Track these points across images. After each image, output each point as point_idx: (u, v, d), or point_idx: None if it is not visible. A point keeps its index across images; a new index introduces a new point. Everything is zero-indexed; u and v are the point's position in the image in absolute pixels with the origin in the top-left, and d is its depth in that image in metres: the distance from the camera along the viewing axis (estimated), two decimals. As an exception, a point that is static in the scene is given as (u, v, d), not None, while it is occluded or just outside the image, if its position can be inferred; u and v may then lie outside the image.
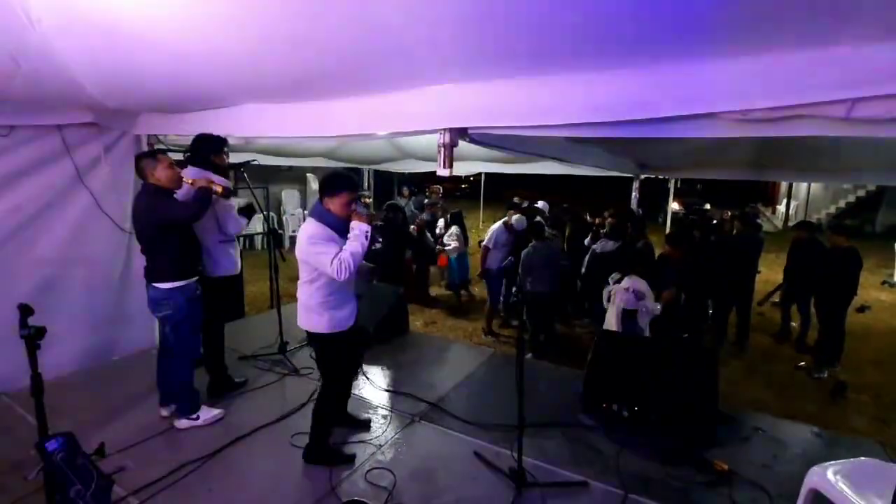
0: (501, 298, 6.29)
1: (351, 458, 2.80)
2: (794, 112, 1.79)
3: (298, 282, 2.70)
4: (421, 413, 3.33)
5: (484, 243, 6.09)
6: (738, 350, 5.83)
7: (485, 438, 3.02)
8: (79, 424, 2.89)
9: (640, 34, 1.73)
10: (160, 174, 2.89)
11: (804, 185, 17.96)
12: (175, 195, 2.98)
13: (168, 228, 2.89)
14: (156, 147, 4.32)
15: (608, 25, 1.68)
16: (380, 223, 6.45)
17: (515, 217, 5.96)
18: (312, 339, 2.78)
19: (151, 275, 2.94)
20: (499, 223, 6.06)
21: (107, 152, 3.96)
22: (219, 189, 3.05)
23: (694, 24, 1.61)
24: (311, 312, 2.67)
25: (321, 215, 2.60)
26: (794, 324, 6.43)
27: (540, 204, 7.88)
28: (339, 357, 2.79)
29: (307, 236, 2.55)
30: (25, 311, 2.00)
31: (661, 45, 1.81)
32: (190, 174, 3.09)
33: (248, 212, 3.62)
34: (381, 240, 5.95)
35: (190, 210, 2.94)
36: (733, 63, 1.79)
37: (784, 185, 18.12)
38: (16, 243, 3.47)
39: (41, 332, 1.97)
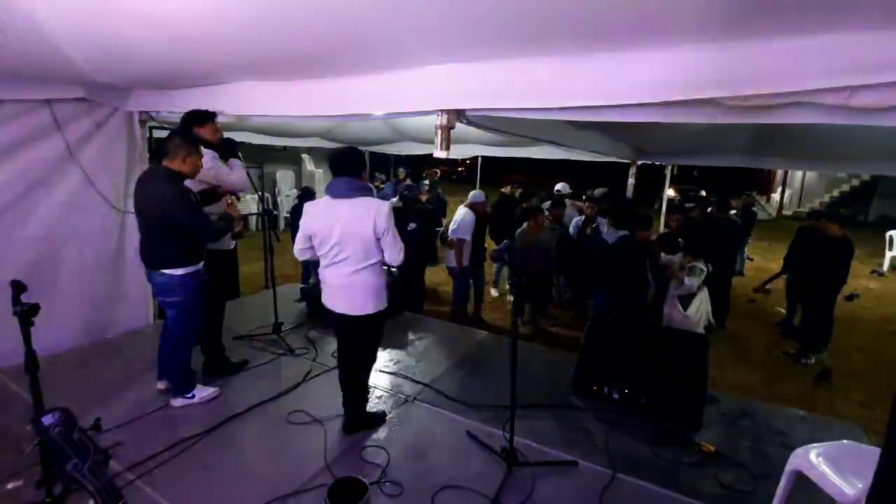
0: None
1: (384, 415, 3.04)
2: (792, 99, 1.78)
3: (351, 269, 2.60)
4: (415, 393, 3.37)
5: (458, 235, 5.38)
6: (718, 328, 5.96)
7: (477, 418, 3.07)
8: (74, 401, 2.91)
9: (642, 20, 1.71)
10: (193, 165, 2.87)
11: (799, 173, 18.04)
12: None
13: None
14: (148, 124, 4.28)
15: (608, 10, 1.66)
16: (399, 205, 5.99)
17: (473, 193, 5.59)
18: (372, 319, 2.71)
19: (159, 261, 2.86)
20: (465, 210, 5.46)
21: (98, 128, 3.90)
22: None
23: (692, 9, 1.60)
24: (375, 294, 2.68)
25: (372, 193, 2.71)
26: (780, 309, 6.53)
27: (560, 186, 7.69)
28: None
29: (388, 211, 2.58)
30: (18, 287, 1.99)
31: (660, 31, 1.79)
32: (207, 160, 3.07)
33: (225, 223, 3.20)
34: (414, 225, 5.52)
35: (211, 232, 2.93)
36: (731, 49, 1.78)
37: (779, 174, 18.19)
38: (7, 220, 3.43)
39: (35, 308, 1.97)
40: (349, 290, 2.66)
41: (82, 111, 3.77)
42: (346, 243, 2.58)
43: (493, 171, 19.15)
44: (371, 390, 3.39)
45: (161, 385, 3.17)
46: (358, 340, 2.83)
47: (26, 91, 3.37)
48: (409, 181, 9.03)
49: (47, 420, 1.02)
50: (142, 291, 4.22)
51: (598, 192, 7.47)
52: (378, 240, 2.59)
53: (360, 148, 9.89)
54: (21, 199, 3.50)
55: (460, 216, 5.49)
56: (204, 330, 3.42)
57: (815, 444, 2.18)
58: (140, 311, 4.30)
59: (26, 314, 1.96)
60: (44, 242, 3.63)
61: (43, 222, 3.62)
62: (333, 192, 2.63)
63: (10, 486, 2.30)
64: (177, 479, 2.44)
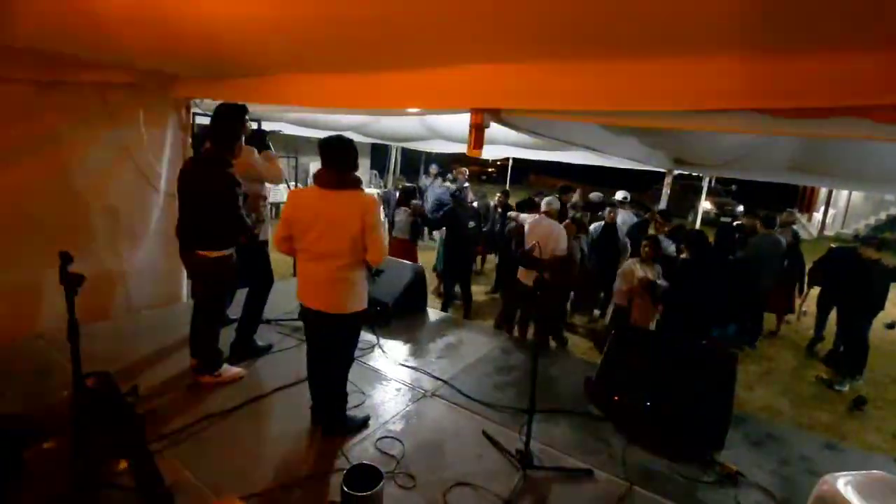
0: None
1: (367, 421, 2.91)
2: (845, 113, 1.72)
3: (333, 265, 2.48)
4: (433, 389, 3.39)
5: (559, 253, 4.42)
6: (749, 347, 5.82)
7: (494, 419, 3.07)
8: (110, 370, 3.05)
9: (689, 26, 1.68)
10: (238, 151, 3.04)
11: (844, 193, 17.28)
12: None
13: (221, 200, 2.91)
14: (192, 111, 4.43)
15: (654, 16, 1.63)
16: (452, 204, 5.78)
17: (548, 199, 4.93)
18: (351, 320, 2.59)
19: (195, 243, 2.97)
20: (551, 221, 4.59)
21: (145, 113, 4.06)
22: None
23: (741, 17, 1.56)
24: (358, 291, 2.56)
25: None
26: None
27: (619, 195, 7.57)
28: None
29: (375, 206, 2.47)
30: (66, 258, 2.10)
31: (708, 38, 1.75)
32: (249, 155, 3.29)
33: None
34: (472, 223, 5.42)
35: (241, 226, 3.00)
36: (784, 59, 1.73)
37: (823, 192, 17.45)
38: (58, 195, 3.61)
39: (79, 279, 2.07)
40: (331, 286, 2.52)
41: (131, 96, 3.93)
42: (331, 237, 2.45)
43: (523, 173, 19.03)
44: (388, 382, 3.44)
45: (194, 361, 3.28)
46: (332, 342, 2.69)
47: (81, 75, 3.54)
48: (440, 179, 9.08)
49: (91, 382, 1.08)
50: (178, 270, 4.37)
51: (619, 194, 7.37)
52: (363, 236, 2.46)
53: (392, 144, 10.01)
54: (71, 177, 3.68)
55: (545, 227, 4.56)
56: (246, 313, 3.55)
57: (843, 473, 2.11)
58: (175, 288, 4.46)
59: (71, 284, 2.06)
60: (89, 218, 3.81)
61: (91, 199, 3.80)
62: (320, 183, 2.50)
63: (45, 445, 2.42)
64: (200, 452, 2.52)
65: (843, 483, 2.02)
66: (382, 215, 7.96)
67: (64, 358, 2.55)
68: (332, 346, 2.72)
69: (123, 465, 1.57)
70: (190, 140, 4.41)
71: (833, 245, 6.19)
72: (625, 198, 7.24)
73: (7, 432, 2.11)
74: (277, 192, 11.16)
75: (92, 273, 2.10)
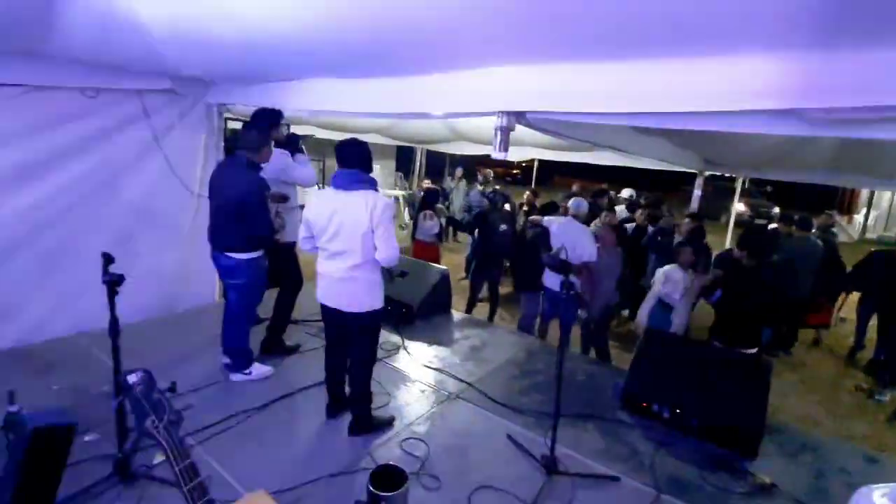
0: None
1: (392, 420, 2.94)
2: (883, 114, 1.65)
3: (348, 263, 2.56)
4: (458, 391, 3.39)
5: (586, 259, 4.18)
6: (783, 353, 5.62)
7: (519, 423, 3.05)
8: (146, 367, 3.16)
9: (720, 22, 1.64)
10: (267, 156, 3.13)
11: (887, 194, 16.47)
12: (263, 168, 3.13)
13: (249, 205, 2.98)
14: (225, 116, 4.56)
15: (682, 12, 1.60)
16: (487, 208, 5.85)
17: (575, 201, 4.70)
18: (368, 318, 2.65)
19: (226, 245, 3.06)
20: (579, 224, 4.43)
21: (181, 118, 4.20)
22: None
23: (775, 13, 1.51)
24: (372, 289, 2.63)
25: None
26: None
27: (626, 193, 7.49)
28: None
29: (385, 206, 2.53)
30: (107, 259, 2.20)
31: (741, 36, 1.71)
32: (281, 158, 3.37)
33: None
34: (504, 226, 5.44)
35: (267, 229, 3.07)
36: (822, 57, 1.67)
37: (864, 193, 16.67)
38: (100, 197, 3.76)
39: (120, 279, 2.17)
40: (346, 284, 2.59)
41: (168, 102, 4.06)
42: (344, 236, 2.53)
43: (547, 174, 18.85)
44: (413, 383, 3.47)
45: (227, 360, 3.37)
46: (350, 340, 2.73)
47: (122, 81, 3.68)
48: (463, 182, 9.08)
49: (132, 378, 1.13)
50: (210, 271, 4.47)
51: (625, 192, 7.23)
52: (374, 235, 2.52)
53: (417, 146, 10.07)
54: (114, 179, 3.84)
55: (575, 231, 4.28)
56: (276, 313, 3.66)
57: (880, 485, 2.02)
58: (208, 289, 4.59)
59: (113, 284, 2.16)
60: (127, 220, 3.96)
61: (130, 201, 3.95)
62: (336, 184, 2.59)
63: (87, 437, 2.54)
64: (231, 448, 2.60)
65: (880, 494, 1.93)
66: (407, 217, 8.03)
67: (105, 354, 2.67)
68: (349, 344, 2.78)
69: (161, 457, 1.63)
70: (223, 144, 4.54)
71: (873, 249, 5.92)
72: (630, 196, 7.08)
73: (51, 425, 2.21)
74: (307, 195, 11.42)
75: (130, 273, 2.19)
